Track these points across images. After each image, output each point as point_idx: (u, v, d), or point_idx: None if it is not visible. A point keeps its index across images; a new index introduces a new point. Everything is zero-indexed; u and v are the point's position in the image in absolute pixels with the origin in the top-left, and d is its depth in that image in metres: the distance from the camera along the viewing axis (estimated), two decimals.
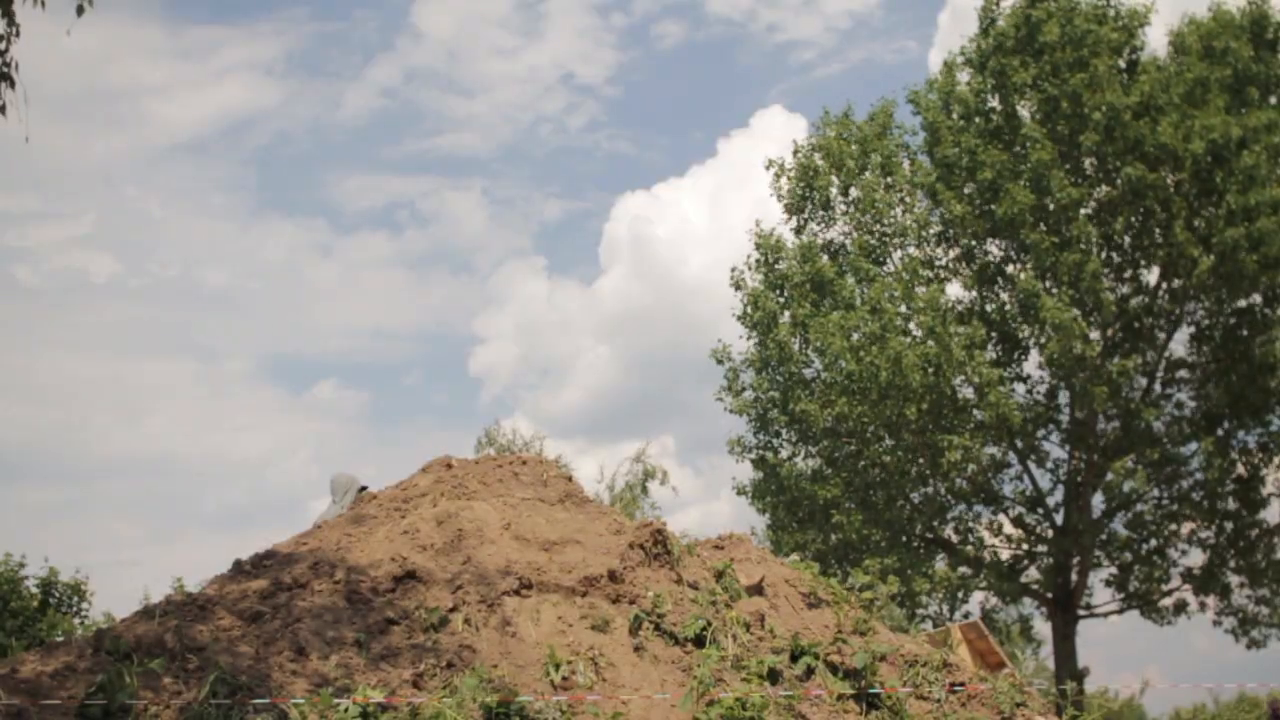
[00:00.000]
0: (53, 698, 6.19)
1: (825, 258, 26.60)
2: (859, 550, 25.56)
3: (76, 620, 20.50)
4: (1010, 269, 26.98)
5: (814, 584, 9.46)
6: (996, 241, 26.84)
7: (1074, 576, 27.68)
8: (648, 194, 71.32)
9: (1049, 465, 27.94)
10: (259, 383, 75.73)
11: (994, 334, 27.11)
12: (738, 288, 27.13)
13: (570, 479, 10.19)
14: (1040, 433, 27.62)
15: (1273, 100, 26.09)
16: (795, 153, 27.55)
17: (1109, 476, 26.45)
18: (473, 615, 7.77)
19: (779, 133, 57.80)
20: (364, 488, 10.96)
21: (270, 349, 75.47)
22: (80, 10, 7.22)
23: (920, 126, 27.41)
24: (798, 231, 27.46)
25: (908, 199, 26.92)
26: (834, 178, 27.08)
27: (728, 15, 74.91)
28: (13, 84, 7.26)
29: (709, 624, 8.14)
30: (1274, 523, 27.43)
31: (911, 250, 26.75)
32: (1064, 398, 27.45)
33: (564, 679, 7.38)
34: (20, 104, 7.26)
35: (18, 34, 7.25)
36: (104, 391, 69.16)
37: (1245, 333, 26.45)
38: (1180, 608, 28.13)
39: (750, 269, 27.40)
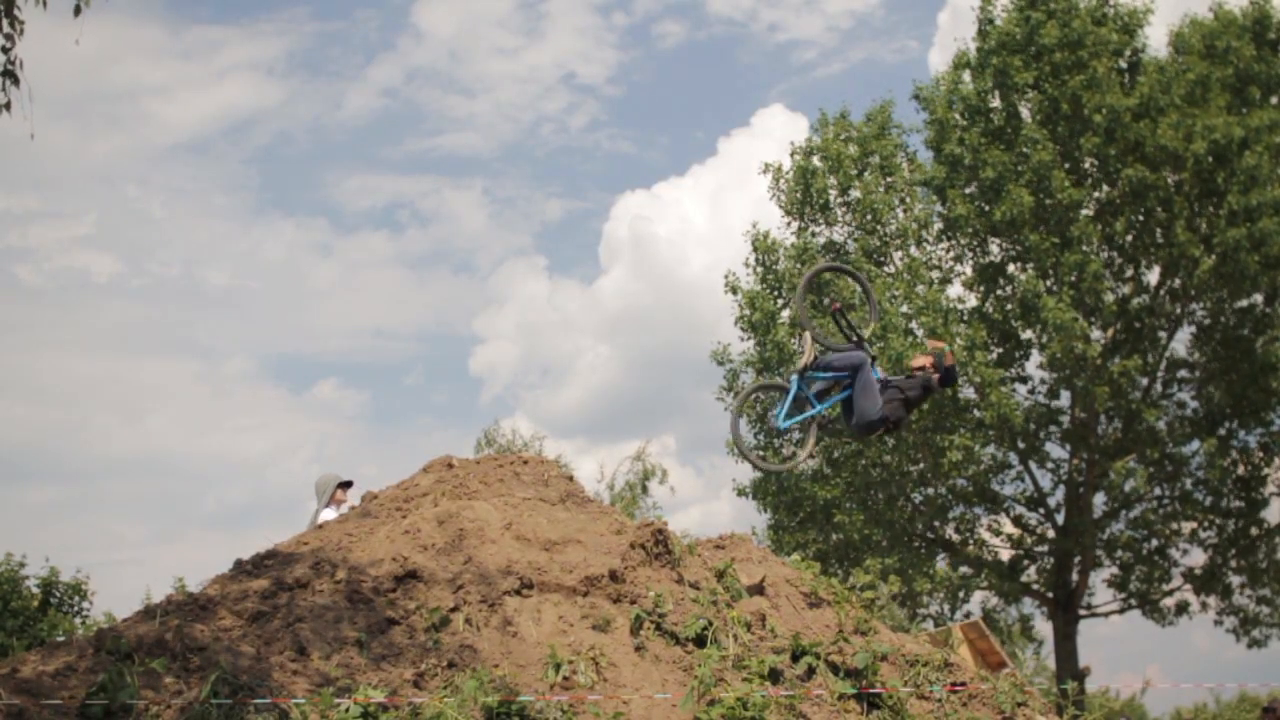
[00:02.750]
0: (54, 697, 6.19)
1: (826, 258, 26.60)
2: (860, 550, 25.57)
3: (77, 620, 20.49)
4: (1011, 269, 26.99)
5: (815, 584, 9.45)
6: (998, 241, 26.85)
7: (1075, 576, 27.70)
8: (648, 193, 71.27)
9: (1050, 465, 27.97)
10: (259, 383, 75.77)
11: (995, 334, 27.12)
12: (734, 291, 27.11)
13: (571, 479, 10.18)
14: (1041, 433, 27.63)
15: (1274, 100, 26.11)
16: (793, 154, 27.55)
17: (1110, 476, 26.46)
18: (474, 615, 7.77)
19: (780, 132, 57.70)
20: (347, 483, 11.00)
21: (270, 349, 75.52)
22: (77, 10, 7.22)
23: (924, 124, 27.41)
24: (798, 234, 27.46)
25: (908, 199, 26.92)
26: (831, 179, 27.07)
27: (729, 15, 74.89)
28: (17, 82, 7.28)
29: (710, 624, 8.14)
30: (1275, 522, 27.48)
31: (913, 250, 26.76)
32: (1065, 398, 27.48)
33: (565, 679, 7.38)
34: (24, 102, 7.28)
35: (21, 32, 7.27)
36: (104, 391, 69.20)
37: (1246, 332, 26.47)
38: (1182, 608, 28.15)
39: (749, 269, 27.41)
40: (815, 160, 27.24)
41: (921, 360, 9.94)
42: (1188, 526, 27.75)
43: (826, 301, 10.18)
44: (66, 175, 72.60)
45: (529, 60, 74.41)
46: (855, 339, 9.89)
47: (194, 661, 6.72)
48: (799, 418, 9.70)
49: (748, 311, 26.71)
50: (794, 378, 9.65)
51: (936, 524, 27.57)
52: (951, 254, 27.48)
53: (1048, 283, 25.78)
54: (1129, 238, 26.59)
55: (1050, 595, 27.74)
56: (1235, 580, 27.77)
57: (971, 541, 27.79)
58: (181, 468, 66.44)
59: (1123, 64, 26.41)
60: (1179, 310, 27.12)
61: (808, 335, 9.65)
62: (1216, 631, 28.42)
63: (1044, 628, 29.67)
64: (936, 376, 9.83)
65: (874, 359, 9.76)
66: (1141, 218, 26.14)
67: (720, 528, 22.42)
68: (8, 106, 7.25)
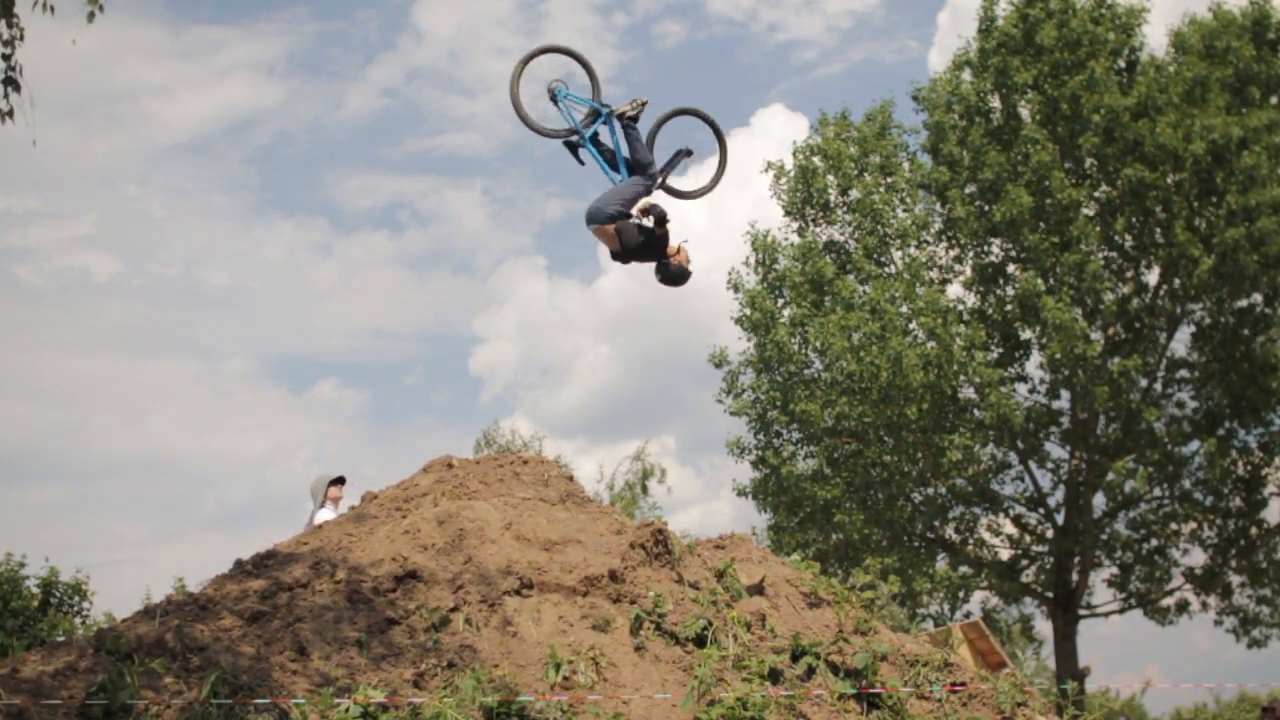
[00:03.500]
0: (54, 697, 6.20)
1: (827, 257, 26.61)
2: (860, 550, 25.58)
3: (77, 620, 20.47)
4: (1011, 269, 26.99)
5: (815, 584, 9.46)
6: (998, 241, 26.86)
7: (1075, 576, 27.69)
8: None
9: (1050, 465, 27.96)
10: (259, 383, 75.74)
11: (995, 334, 27.12)
12: (736, 289, 27.16)
13: (571, 479, 10.19)
14: (1041, 433, 27.62)
15: (1274, 100, 26.10)
16: (795, 154, 27.55)
17: (1110, 476, 26.46)
18: (474, 615, 7.78)
19: (780, 132, 57.69)
20: (339, 479, 11.03)
21: (270, 349, 75.46)
22: (91, 16, 7.24)
23: (924, 125, 27.42)
24: (800, 233, 27.47)
25: (908, 199, 26.92)
26: (831, 179, 27.07)
27: (729, 15, 74.86)
28: (18, 88, 7.30)
29: (710, 624, 8.15)
30: (1275, 522, 27.47)
31: (913, 250, 26.77)
32: (1065, 398, 27.47)
33: (565, 679, 7.38)
34: (26, 107, 7.31)
35: (21, 37, 7.29)
36: (104, 391, 69.15)
37: (1246, 332, 26.46)
38: (1182, 607, 28.13)
39: (749, 269, 27.43)
40: (816, 160, 27.25)
41: (680, 248, 9.94)
42: (1188, 526, 27.74)
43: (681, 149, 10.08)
44: (66, 175, 72.62)
45: None
46: (664, 175, 9.90)
47: (194, 661, 6.73)
48: (575, 116, 9.79)
49: (748, 310, 26.75)
50: (608, 106, 9.77)
51: (936, 524, 27.57)
52: (951, 254, 27.49)
53: (1048, 283, 25.79)
54: (1129, 238, 26.58)
55: (1050, 595, 27.73)
56: (1235, 580, 27.76)
57: (971, 541, 27.78)
58: (181, 468, 66.44)
59: (1121, 64, 26.41)
60: (1179, 310, 27.12)
61: (642, 99, 9.78)
62: (1216, 631, 28.44)
63: (1044, 628, 29.71)
64: (671, 254, 9.84)
65: (649, 190, 9.76)
66: (1141, 218, 26.13)
67: (720, 528, 22.45)
68: (10, 114, 7.28)
